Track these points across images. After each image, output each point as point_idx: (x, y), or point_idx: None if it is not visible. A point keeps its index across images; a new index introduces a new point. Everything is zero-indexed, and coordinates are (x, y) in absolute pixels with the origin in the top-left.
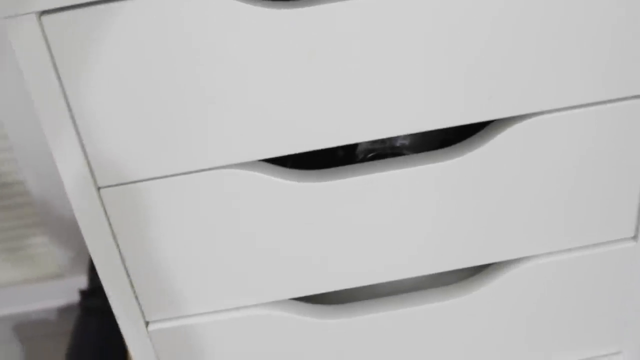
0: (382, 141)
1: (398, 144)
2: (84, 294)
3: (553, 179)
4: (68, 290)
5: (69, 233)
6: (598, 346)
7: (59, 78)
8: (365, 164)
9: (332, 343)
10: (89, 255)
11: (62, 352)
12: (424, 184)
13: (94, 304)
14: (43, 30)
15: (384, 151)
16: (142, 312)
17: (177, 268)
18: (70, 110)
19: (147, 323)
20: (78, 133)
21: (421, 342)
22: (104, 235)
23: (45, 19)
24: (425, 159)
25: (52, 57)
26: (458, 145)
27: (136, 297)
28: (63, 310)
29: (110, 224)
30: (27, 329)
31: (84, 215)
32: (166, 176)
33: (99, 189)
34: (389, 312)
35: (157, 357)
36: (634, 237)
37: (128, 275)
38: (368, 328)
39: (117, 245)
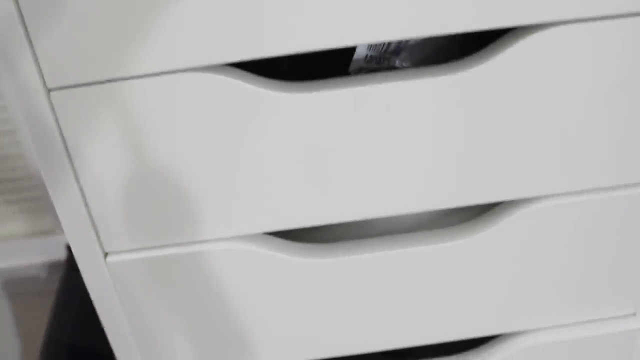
0: (378, 60)
1: (396, 63)
2: (70, 249)
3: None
4: (57, 247)
5: None
6: (612, 306)
7: None
8: (358, 76)
9: (318, 285)
10: None
11: (49, 309)
12: (423, 100)
13: None
14: None
15: (379, 70)
16: (100, 243)
17: (137, 193)
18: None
19: (105, 254)
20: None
21: (416, 287)
22: (57, 151)
23: None
24: (424, 73)
25: None
26: (462, 60)
27: (94, 226)
28: (52, 267)
29: (63, 137)
30: (14, 286)
31: (34, 125)
32: (122, 79)
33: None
34: (382, 252)
35: (115, 291)
36: None
37: (85, 201)
38: (358, 270)
39: (73, 167)
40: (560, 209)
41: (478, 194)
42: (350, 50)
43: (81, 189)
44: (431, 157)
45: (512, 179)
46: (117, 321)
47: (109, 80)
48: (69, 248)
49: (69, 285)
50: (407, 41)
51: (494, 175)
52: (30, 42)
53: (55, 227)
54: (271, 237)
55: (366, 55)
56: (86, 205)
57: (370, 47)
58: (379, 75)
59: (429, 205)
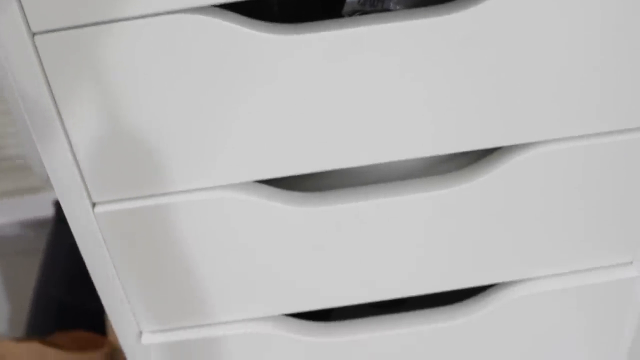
0: (372, 2)
1: (390, 6)
2: (58, 205)
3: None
4: (44, 205)
5: None
6: (609, 254)
7: None
8: (352, 18)
9: (310, 234)
10: None
11: (37, 267)
12: (417, 41)
13: None
14: None
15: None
16: (88, 193)
17: (125, 142)
18: None
19: (93, 205)
20: None
21: (410, 236)
22: (43, 99)
23: None
24: (417, 15)
25: None
26: (457, 1)
27: (81, 176)
28: (38, 225)
29: (49, 83)
30: (1, 245)
31: (19, 72)
32: (108, 21)
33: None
34: (376, 200)
35: (103, 241)
36: None
37: (72, 151)
38: (351, 218)
39: (60, 115)
40: (557, 155)
41: (474, 140)
42: None
43: (68, 138)
44: (426, 102)
45: (509, 125)
46: (105, 271)
47: (94, 24)
48: (56, 205)
49: (56, 242)
50: None
51: (490, 121)
52: None
53: (42, 185)
54: (262, 186)
55: None
56: (74, 155)
57: None
58: (372, 17)
59: (424, 151)
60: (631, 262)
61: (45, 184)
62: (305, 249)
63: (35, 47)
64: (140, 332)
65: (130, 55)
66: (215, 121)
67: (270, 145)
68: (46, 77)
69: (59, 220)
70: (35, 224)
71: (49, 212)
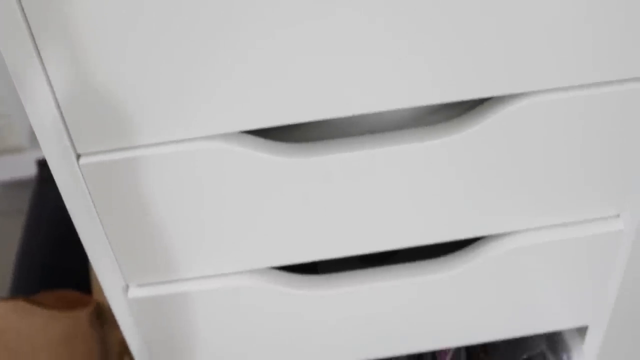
0: None
1: None
2: (41, 164)
3: None
4: (27, 165)
5: None
6: (597, 208)
7: None
8: None
9: (298, 185)
10: None
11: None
12: None
13: (51, 174)
14: None
15: None
16: (73, 144)
17: (109, 90)
18: None
19: (78, 156)
20: None
21: (400, 187)
22: (23, 42)
23: None
24: None
25: None
26: None
27: (65, 126)
28: (21, 186)
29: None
30: None
31: None
32: None
33: None
34: (365, 150)
35: (88, 193)
36: None
37: (55, 99)
38: (340, 169)
39: (41, 61)
40: (547, 105)
41: (464, 89)
42: None
43: (51, 86)
44: (417, 50)
45: (500, 74)
46: (91, 224)
47: None
48: (39, 165)
49: (40, 203)
50: None
51: (480, 70)
52: None
53: (25, 145)
54: (249, 137)
55: None
56: (57, 104)
57: None
58: None
59: (416, 100)
60: (618, 216)
61: (29, 143)
62: (293, 201)
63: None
64: (127, 286)
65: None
66: (199, 70)
67: (256, 93)
68: (24, 12)
69: (43, 180)
70: (19, 185)
71: (32, 172)
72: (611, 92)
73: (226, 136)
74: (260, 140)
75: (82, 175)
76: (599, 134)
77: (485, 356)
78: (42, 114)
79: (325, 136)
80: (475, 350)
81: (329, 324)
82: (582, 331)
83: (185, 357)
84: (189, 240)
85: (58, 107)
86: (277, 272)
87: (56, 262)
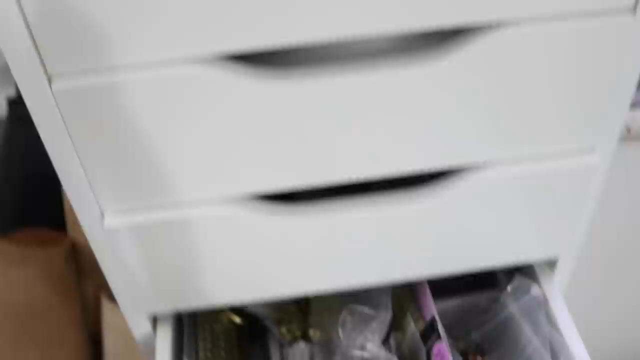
0: None
1: None
2: (12, 103)
3: None
4: None
5: None
6: (572, 140)
7: None
8: None
9: (278, 110)
10: None
11: None
12: None
13: (23, 112)
14: None
15: None
16: (44, 66)
17: (80, 11)
18: None
19: (50, 79)
20: None
21: (379, 114)
22: None
23: None
24: None
25: None
26: None
27: (36, 47)
28: None
29: None
30: None
31: None
32: None
33: None
34: (342, 77)
35: (61, 117)
36: (633, 10)
37: (24, 18)
38: (320, 95)
39: None
40: (523, 37)
41: (443, 17)
42: None
43: (19, 3)
44: None
45: (478, 3)
46: (64, 150)
47: None
48: (9, 104)
49: (11, 142)
50: None
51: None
52: None
53: None
54: (229, 61)
55: None
56: (26, 22)
57: None
58: None
59: (394, 27)
60: (593, 149)
61: None
62: (271, 126)
63: None
64: (102, 214)
65: None
66: None
67: (235, 13)
68: None
69: (14, 119)
70: None
71: (2, 111)
72: (587, 24)
73: (206, 60)
74: (240, 65)
75: (55, 99)
76: (574, 67)
77: (482, 359)
78: (11, 33)
79: (305, 63)
80: (472, 351)
81: (305, 252)
82: (552, 264)
83: (163, 285)
84: (166, 166)
85: (27, 25)
86: (255, 199)
87: (30, 202)
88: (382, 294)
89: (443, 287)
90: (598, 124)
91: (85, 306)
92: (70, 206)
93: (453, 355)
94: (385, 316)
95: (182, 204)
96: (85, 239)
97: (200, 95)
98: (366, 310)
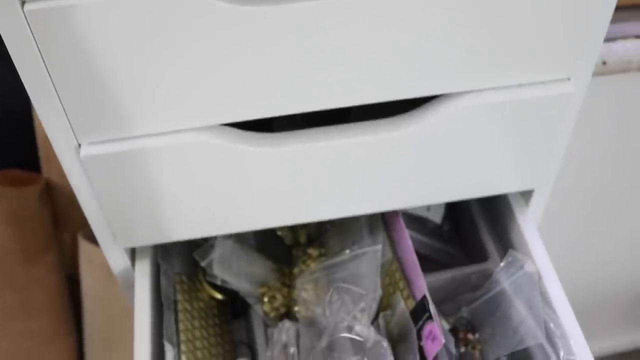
0: None
1: None
2: None
3: None
4: None
5: None
6: (548, 70)
7: None
8: None
9: (247, 35)
10: None
11: None
12: None
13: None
14: None
15: None
16: None
17: None
18: None
19: (23, 2)
20: None
21: (353, 38)
22: None
23: None
24: None
25: None
26: None
27: None
28: None
29: None
30: None
31: None
32: None
33: None
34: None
35: (35, 43)
36: None
37: None
38: (292, 18)
39: None
40: None
41: None
42: None
43: None
44: None
45: None
46: (39, 78)
47: None
48: None
49: None
50: None
51: None
52: None
53: None
54: None
55: None
56: None
57: None
58: None
59: None
60: (569, 79)
61: None
62: (245, 52)
63: None
64: (78, 145)
65: None
66: None
67: None
68: None
69: None
70: None
71: None
72: None
73: None
74: None
75: (27, 21)
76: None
77: (473, 336)
78: None
79: None
80: (463, 328)
81: (282, 183)
82: (527, 196)
83: (139, 218)
84: (141, 94)
85: None
86: (230, 129)
87: (2, 144)
88: (371, 272)
89: (434, 261)
90: (574, 53)
91: (63, 247)
92: (45, 147)
93: (445, 335)
94: (374, 295)
95: (158, 134)
96: (60, 180)
97: (173, 16)
98: (354, 289)
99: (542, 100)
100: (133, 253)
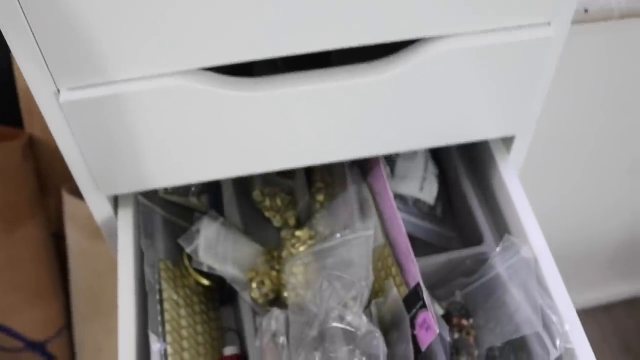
0: None
1: None
2: None
3: None
4: None
5: None
6: (528, 14)
7: None
8: None
9: None
10: None
11: None
12: None
13: None
14: None
15: None
16: None
17: None
18: None
19: None
20: None
21: None
22: None
23: None
24: None
25: None
26: None
27: None
28: None
29: None
30: None
31: None
32: None
33: None
34: None
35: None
36: None
37: None
38: None
39: None
40: None
41: None
42: None
43: None
44: None
45: None
46: (17, 24)
47: None
48: None
49: None
50: None
51: None
52: None
53: None
54: None
55: None
56: None
57: None
58: None
59: None
60: (549, 24)
61: None
62: None
63: None
64: (58, 91)
65: None
66: None
67: None
68: None
69: None
70: None
71: None
72: None
73: None
74: None
75: None
76: None
77: (467, 322)
78: None
79: None
80: (456, 314)
81: (262, 128)
82: (508, 143)
83: (120, 163)
84: (119, 37)
85: None
86: (211, 73)
87: None
88: (362, 258)
89: (427, 244)
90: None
91: (48, 204)
92: (27, 102)
93: (439, 324)
94: (366, 283)
95: (137, 79)
96: (44, 135)
97: None
98: (345, 276)
99: (522, 45)
100: (116, 203)
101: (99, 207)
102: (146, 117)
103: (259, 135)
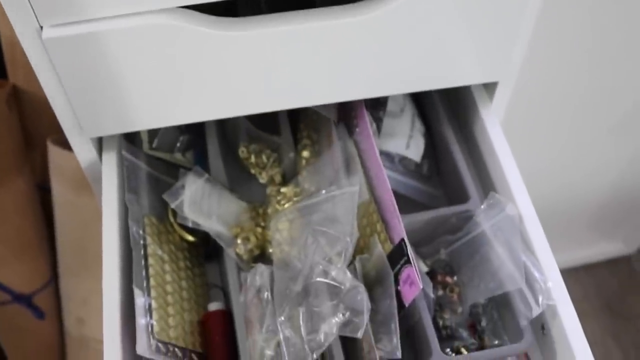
0: None
1: None
2: None
3: None
4: None
5: None
6: None
7: None
8: None
9: None
10: None
11: None
12: None
13: None
14: None
15: None
16: None
17: None
18: None
19: None
20: None
21: None
22: None
23: None
24: None
25: None
26: None
27: None
28: None
29: None
30: None
31: None
32: None
33: None
34: None
35: None
36: None
37: None
38: None
39: None
40: None
41: None
42: None
43: None
44: None
45: None
46: None
47: None
48: None
49: None
50: None
51: None
52: None
53: None
54: None
55: None
56: None
57: None
58: None
59: None
60: None
61: None
62: None
63: None
64: (40, 27)
65: None
66: None
67: None
68: None
69: None
70: None
71: None
72: None
73: None
74: None
75: None
76: None
77: (451, 279)
78: None
79: None
80: (441, 271)
81: (245, 69)
82: (491, 89)
83: (103, 103)
84: None
85: None
86: (193, 12)
87: None
88: (347, 214)
89: (413, 201)
90: None
91: (32, 156)
92: (10, 52)
93: (423, 280)
94: (351, 238)
95: (119, 16)
96: (28, 86)
97: None
98: (330, 231)
99: None
100: (100, 146)
101: (83, 150)
102: (128, 55)
103: (242, 76)
